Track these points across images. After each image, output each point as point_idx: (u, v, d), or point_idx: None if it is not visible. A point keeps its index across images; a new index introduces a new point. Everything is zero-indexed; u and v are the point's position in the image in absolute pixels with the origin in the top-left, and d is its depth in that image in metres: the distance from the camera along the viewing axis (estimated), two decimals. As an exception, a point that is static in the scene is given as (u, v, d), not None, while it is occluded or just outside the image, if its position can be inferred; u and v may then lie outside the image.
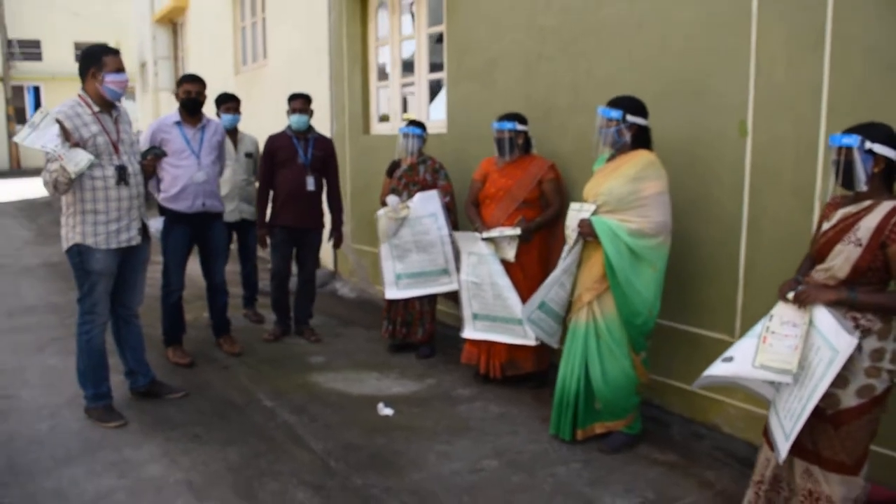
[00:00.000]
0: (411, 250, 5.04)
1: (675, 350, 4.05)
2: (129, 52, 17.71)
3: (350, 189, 7.18)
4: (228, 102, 6.02)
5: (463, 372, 4.86)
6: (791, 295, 2.68)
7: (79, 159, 3.63)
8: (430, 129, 5.66)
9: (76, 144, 3.68)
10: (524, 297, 4.22)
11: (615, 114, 3.61)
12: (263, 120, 7.61)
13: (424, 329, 5.24)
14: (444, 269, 5.02)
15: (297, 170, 5.43)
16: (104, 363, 4.08)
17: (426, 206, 4.97)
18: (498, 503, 3.23)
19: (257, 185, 5.80)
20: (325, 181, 5.61)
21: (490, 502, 3.24)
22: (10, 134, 24.45)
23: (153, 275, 4.99)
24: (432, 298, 5.24)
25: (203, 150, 4.95)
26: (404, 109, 6.80)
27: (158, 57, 13.93)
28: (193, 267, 5.21)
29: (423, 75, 6.39)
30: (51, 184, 3.71)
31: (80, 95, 3.88)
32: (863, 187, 2.59)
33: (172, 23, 13.79)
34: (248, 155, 6.17)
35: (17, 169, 24.87)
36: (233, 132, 6.05)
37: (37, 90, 26.17)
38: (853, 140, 2.56)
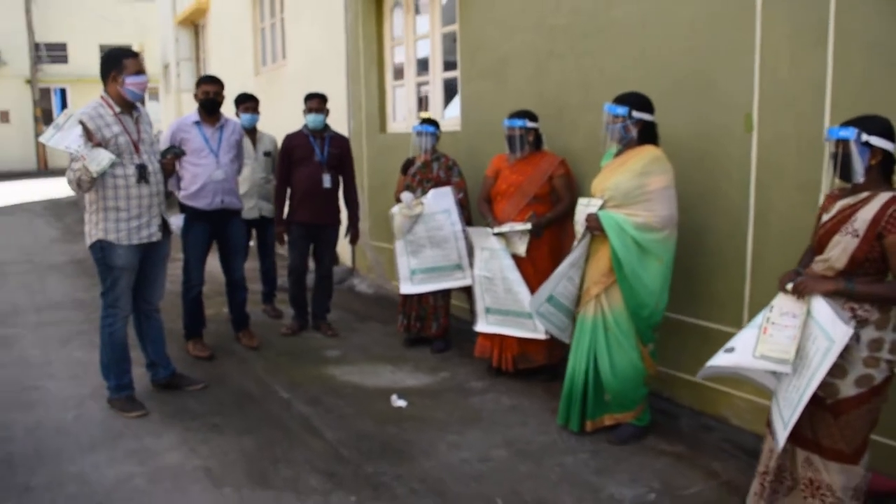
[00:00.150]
0: (425, 246, 5.12)
1: (683, 343, 4.09)
2: (153, 55, 18.00)
3: (367, 187, 7.28)
4: (247, 102, 6.14)
5: (476, 365, 4.93)
6: (790, 286, 2.72)
7: (100, 159, 3.76)
8: (446, 127, 5.73)
9: (98, 144, 3.81)
10: (534, 291, 4.25)
11: (621, 110, 3.66)
12: (283, 119, 7.71)
13: (439, 324, 5.31)
14: (457, 264, 5.09)
15: (314, 167, 5.53)
16: (126, 356, 4.22)
17: (440, 202, 5.04)
18: (505, 490, 3.30)
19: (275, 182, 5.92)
20: (341, 178, 5.71)
21: (497, 489, 3.31)
22: (38, 135, 24.83)
23: (174, 271, 5.12)
24: (446, 293, 5.31)
25: (221, 149, 5.07)
26: (424, 108, 6.85)
27: (181, 59, 14.15)
28: (214, 263, 5.34)
29: (437, 74, 6.47)
30: (74, 182, 3.84)
31: (102, 97, 4.01)
32: (860, 179, 2.63)
33: (194, 25, 14.00)
34: (267, 154, 6.30)
35: (44, 169, 25.34)
36: (251, 131, 6.18)
37: (63, 92, 26.60)
38: (850, 133, 2.60)
